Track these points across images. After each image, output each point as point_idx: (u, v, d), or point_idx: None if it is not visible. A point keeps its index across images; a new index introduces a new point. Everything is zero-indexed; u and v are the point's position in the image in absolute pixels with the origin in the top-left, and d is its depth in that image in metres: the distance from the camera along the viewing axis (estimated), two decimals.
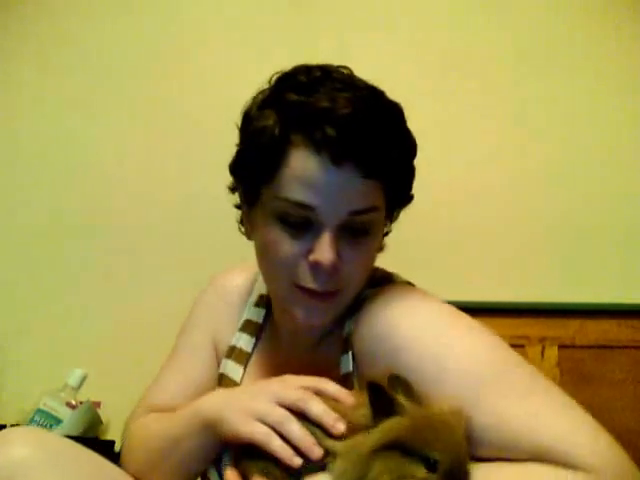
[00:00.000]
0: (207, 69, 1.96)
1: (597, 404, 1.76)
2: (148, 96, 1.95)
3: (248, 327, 1.10)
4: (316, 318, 0.92)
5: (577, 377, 1.75)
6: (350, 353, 0.93)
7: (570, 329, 1.76)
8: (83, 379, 1.68)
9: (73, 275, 1.91)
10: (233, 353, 1.08)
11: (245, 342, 1.08)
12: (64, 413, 1.62)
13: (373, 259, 0.96)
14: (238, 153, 0.94)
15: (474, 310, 0.93)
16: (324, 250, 0.85)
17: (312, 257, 0.87)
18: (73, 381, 1.67)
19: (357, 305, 0.94)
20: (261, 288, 1.11)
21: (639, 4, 1.97)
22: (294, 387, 0.82)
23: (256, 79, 0.94)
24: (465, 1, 2.00)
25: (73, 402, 1.65)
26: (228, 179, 0.99)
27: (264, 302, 1.11)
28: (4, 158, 1.96)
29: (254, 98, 0.94)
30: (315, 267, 0.87)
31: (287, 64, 0.94)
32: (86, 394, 1.69)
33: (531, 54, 1.96)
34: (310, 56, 0.95)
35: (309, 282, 0.89)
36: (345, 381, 0.90)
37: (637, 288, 1.80)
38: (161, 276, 1.89)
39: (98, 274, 1.90)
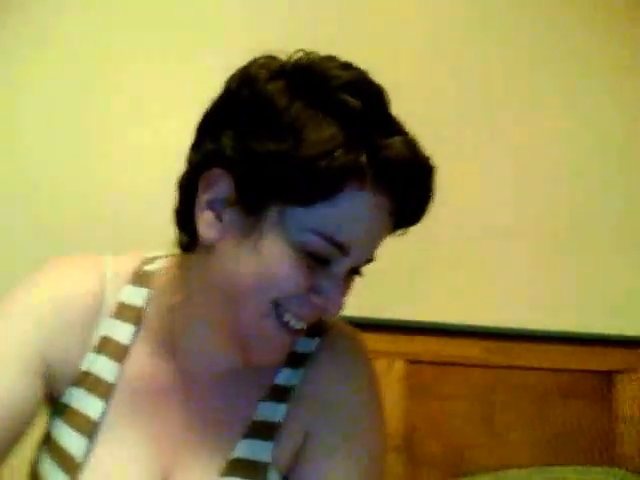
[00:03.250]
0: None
1: (439, 417, 1.85)
2: None
3: (109, 345, 0.82)
4: (277, 355, 0.78)
5: (420, 390, 1.83)
6: (285, 405, 0.82)
7: (416, 345, 1.84)
8: None
9: None
10: (87, 380, 0.81)
11: (106, 367, 0.81)
12: None
13: None
14: (249, 143, 0.70)
15: None
16: (337, 300, 0.74)
17: (319, 301, 0.73)
18: None
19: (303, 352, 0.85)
20: (117, 296, 0.84)
21: None
22: None
23: None
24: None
25: None
26: None
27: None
28: None
29: (265, 75, 0.72)
30: (315, 308, 0.74)
31: None
32: None
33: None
34: None
35: (297, 319, 0.75)
36: (261, 428, 0.81)
37: (478, 310, 1.92)
38: None
39: None
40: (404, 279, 1.90)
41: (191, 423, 0.80)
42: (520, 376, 1.92)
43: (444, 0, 2.08)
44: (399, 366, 1.82)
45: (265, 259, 0.71)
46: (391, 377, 1.80)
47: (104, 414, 0.78)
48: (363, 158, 0.68)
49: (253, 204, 0.72)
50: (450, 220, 1.94)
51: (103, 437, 0.77)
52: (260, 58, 0.74)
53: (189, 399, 0.82)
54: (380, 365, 1.78)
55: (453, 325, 1.86)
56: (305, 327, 0.77)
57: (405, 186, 0.71)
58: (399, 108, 0.76)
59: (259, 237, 0.71)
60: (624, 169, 2.15)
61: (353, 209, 0.70)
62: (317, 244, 0.70)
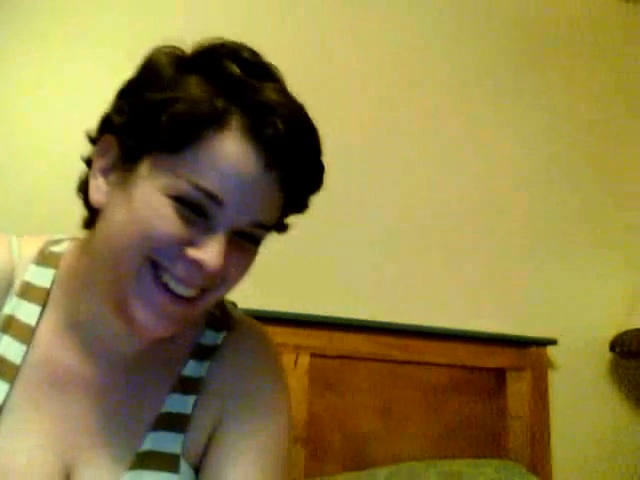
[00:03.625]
0: None
1: (341, 409, 1.91)
2: None
3: (14, 325, 0.78)
4: (162, 328, 0.73)
5: (324, 383, 1.89)
6: (193, 396, 0.81)
7: (322, 340, 1.88)
8: None
9: None
10: None
11: (11, 348, 0.77)
12: None
13: (247, 273, 0.79)
14: (134, 103, 0.73)
15: None
16: (214, 253, 0.70)
17: (196, 254, 0.70)
18: None
19: (212, 344, 0.85)
20: (23, 275, 0.82)
21: None
22: None
23: None
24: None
25: None
26: None
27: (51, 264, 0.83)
28: None
29: (161, 55, 0.75)
30: (193, 265, 0.71)
31: None
32: None
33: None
34: None
35: (176, 281, 0.72)
36: (171, 420, 0.80)
37: (378, 307, 2.00)
38: None
39: None
40: (309, 275, 1.97)
41: (98, 413, 0.78)
42: (417, 371, 2.00)
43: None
44: (304, 360, 1.86)
45: (138, 209, 0.71)
46: (297, 371, 1.84)
47: (7, 398, 0.75)
48: (227, 105, 0.70)
49: (130, 158, 0.73)
50: (350, 215, 2.02)
51: (5, 426, 0.74)
52: (165, 46, 0.76)
53: (96, 388, 0.79)
54: (287, 359, 1.82)
55: (355, 320, 1.92)
56: (191, 294, 0.73)
57: (275, 134, 0.70)
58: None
59: (134, 189, 0.72)
60: (534, 176, 2.30)
61: (216, 154, 0.70)
62: (186, 191, 0.69)
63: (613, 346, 2.26)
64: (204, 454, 0.82)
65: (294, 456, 1.78)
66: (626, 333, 2.20)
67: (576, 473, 2.19)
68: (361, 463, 1.87)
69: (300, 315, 1.86)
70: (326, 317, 1.89)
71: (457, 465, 1.83)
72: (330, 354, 1.90)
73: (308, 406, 1.84)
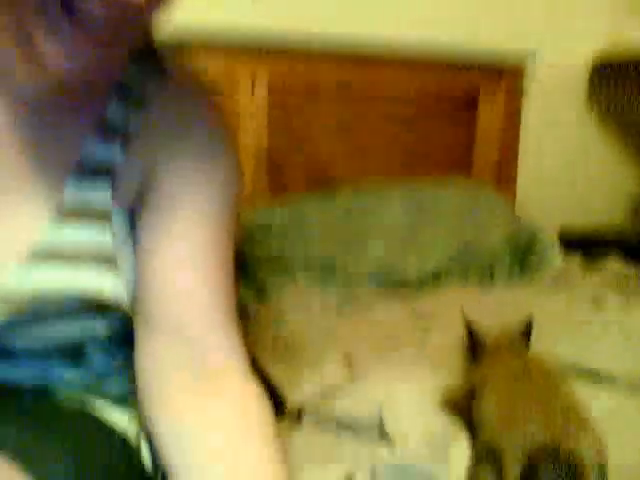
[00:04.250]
0: None
1: (301, 132, 1.81)
2: None
3: None
4: (75, 60, 0.57)
5: (284, 109, 1.80)
6: (120, 143, 0.68)
7: (282, 66, 1.77)
8: None
9: None
10: None
11: None
12: None
13: None
14: None
15: None
16: None
17: None
18: None
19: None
20: None
21: None
22: None
23: None
24: None
25: None
26: None
27: None
28: None
29: None
30: None
31: None
32: None
33: None
34: None
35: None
36: (96, 169, 0.68)
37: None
38: None
39: None
40: None
41: (12, 163, 0.67)
42: (386, 91, 1.92)
43: None
44: (262, 85, 1.77)
45: None
46: (255, 97, 1.76)
47: None
48: None
49: None
50: None
51: None
52: None
53: (6, 135, 0.67)
54: (243, 85, 1.74)
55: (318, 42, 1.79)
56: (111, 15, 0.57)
57: None
58: None
59: None
60: None
61: None
62: None
63: (594, 62, 2.19)
64: (140, 205, 0.71)
65: (256, 180, 1.77)
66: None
67: (539, 195, 2.22)
68: (325, 185, 1.84)
69: (258, 36, 1.71)
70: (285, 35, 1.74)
71: (422, 184, 1.85)
72: (290, 80, 1.80)
73: (270, 130, 1.79)
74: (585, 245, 1.95)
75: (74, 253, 0.65)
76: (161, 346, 0.66)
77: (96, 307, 0.67)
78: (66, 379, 0.73)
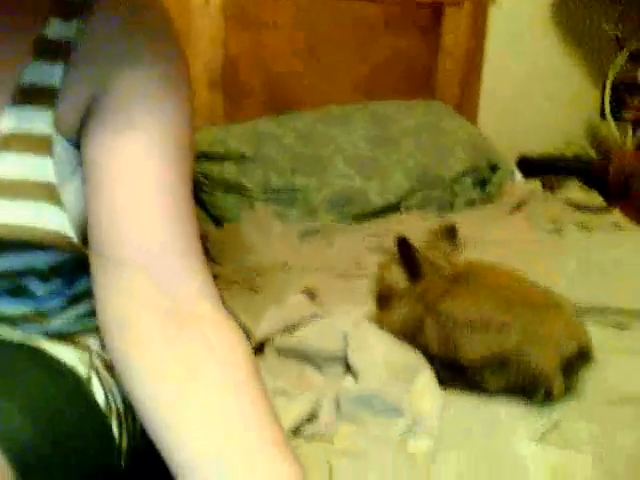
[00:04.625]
0: None
1: (260, 49, 1.70)
2: None
3: None
4: None
5: (241, 22, 1.70)
6: (61, 64, 0.62)
7: None
8: None
9: None
10: None
11: None
12: None
13: None
14: None
15: None
16: None
17: None
18: None
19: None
20: None
21: None
22: None
23: None
24: None
25: None
26: None
27: None
28: None
29: None
30: None
31: None
32: None
33: None
34: None
35: None
36: (34, 94, 0.62)
37: None
38: None
39: None
40: None
41: None
42: (348, 5, 1.83)
43: None
44: None
45: None
46: (209, 6, 1.63)
47: None
48: None
49: None
50: None
51: None
52: None
53: None
54: None
55: None
56: None
57: None
58: None
59: None
60: None
61: None
62: None
63: None
64: (84, 131, 0.65)
65: (211, 100, 1.69)
66: None
67: (499, 116, 2.21)
68: (283, 107, 1.77)
69: None
70: None
71: (384, 107, 1.82)
72: None
73: (224, 46, 1.68)
74: (544, 171, 1.96)
75: (13, 184, 0.61)
76: (121, 279, 0.60)
77: (39, 241, 0.62)
78: (7, 314, 0.69)
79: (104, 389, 0.70)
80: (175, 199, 0.62)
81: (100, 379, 0.70)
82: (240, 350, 0.58)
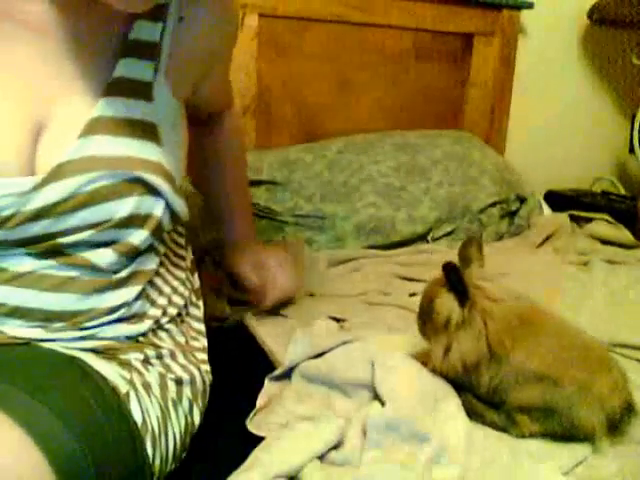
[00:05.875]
0: None
1: (293, 78, 1.74)
2: None
3: None
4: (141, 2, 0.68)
5: (275, 48, 1.73)
6: (160, 24, 0.77)
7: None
8: None
9: None
10: None
11: None
12: None
13: None
14: None
15: None
16: None
17: None
18: None
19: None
20: None
21: None
22: None
23: None
24: None
25: None
26: None
27: None
28: None
29: None
30: None
31: None
32: None
33: None
34: None
35: None
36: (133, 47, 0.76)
37: None
38: None
39: None
40: None
41: (61, 46, 0.72)
42: (378, 35, 1.85)
43: None
44: (252, 21, 1.67)
45: None
46: (243, 34, 1.66)
47: None
48: None
49: None
50: None
51: None
52: None
53: (52, 24, 0.72)
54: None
55: None
56: None
57: None
58: None
59: None
60: None
61: None
62: None
63: (591, 13, 2.14)
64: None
65: (243, 128, 1.69)
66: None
67: (527, 149, 2.21)
68: (313, 135, 1.80)
69: None
70: None
71: (413, 136, 1.82)
72: (282, 14, 1.70)
73: (257, 74, 1.71)
74: (572, 206, 1.95)
75: (121, 125, 0.72)
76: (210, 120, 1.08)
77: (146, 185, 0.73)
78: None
79: (141, 407, 0.71)
80: (229, 83, 1.06)
81: (138, 397, 0.71)
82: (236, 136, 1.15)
